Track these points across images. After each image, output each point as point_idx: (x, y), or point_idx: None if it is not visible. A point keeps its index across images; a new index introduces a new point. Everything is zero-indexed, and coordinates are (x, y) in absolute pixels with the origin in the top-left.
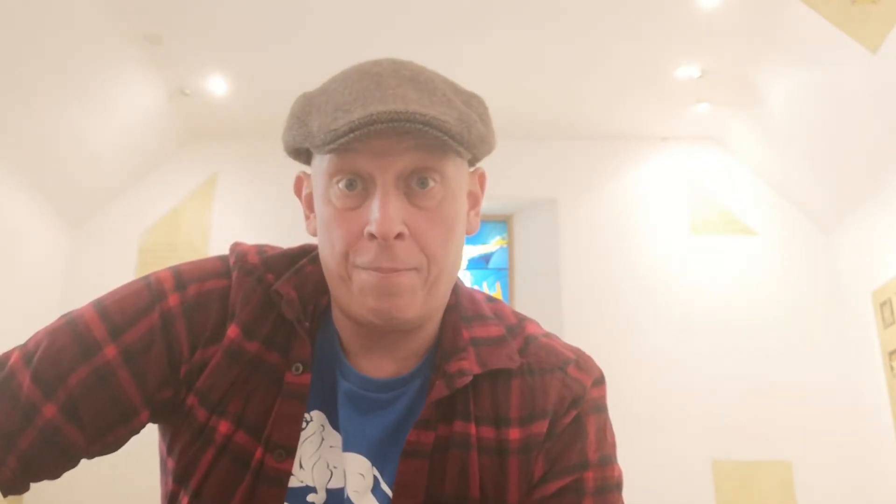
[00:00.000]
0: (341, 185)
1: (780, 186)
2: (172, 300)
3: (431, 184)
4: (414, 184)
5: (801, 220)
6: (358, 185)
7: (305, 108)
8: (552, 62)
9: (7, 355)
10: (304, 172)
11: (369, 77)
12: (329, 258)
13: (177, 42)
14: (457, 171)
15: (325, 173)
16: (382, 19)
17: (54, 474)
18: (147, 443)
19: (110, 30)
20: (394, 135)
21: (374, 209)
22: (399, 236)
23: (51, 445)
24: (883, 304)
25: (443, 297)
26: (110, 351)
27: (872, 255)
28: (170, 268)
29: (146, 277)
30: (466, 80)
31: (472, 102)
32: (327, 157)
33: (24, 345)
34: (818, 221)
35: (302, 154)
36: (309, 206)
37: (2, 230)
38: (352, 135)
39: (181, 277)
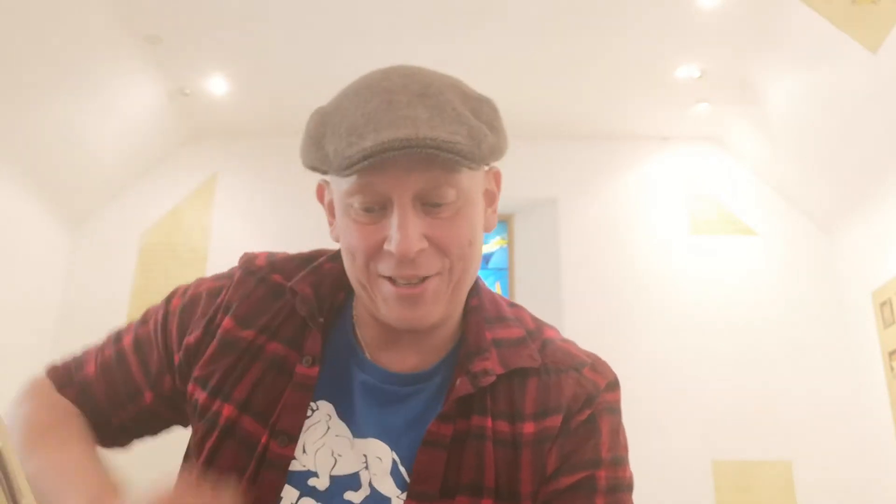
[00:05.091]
0: (360, 205)
1: (780, 186)
2: (175, 303)
3: (448, 199)
4: (431, 200)
5: (801, 220)
6: (375, 207)
7: (320, 130)
8: (552, 62)
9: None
10: (325, 181)
11: (380, 95)
12: (351, 266)
13: (177, 42)
14: (471, 179)
15: (344, 192)
16: (382, 19)
17: (94, 432)
18: (153, 445)
19: (110, 30)
20: (408, 158)
21: (394, 229)
22: (419, 251)
23: (85, 398)
24: (883, 304)
25: (463, 297)
26: (127, 340)
27: (872, 255)
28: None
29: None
30: (466, 80)
31: (483, 110)
32: (344, 179)
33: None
34: (818, 221)
35: (319, 169)
36: (332, 212)
37: (2, 230)
38: (365, 162)
39: (188, 286)
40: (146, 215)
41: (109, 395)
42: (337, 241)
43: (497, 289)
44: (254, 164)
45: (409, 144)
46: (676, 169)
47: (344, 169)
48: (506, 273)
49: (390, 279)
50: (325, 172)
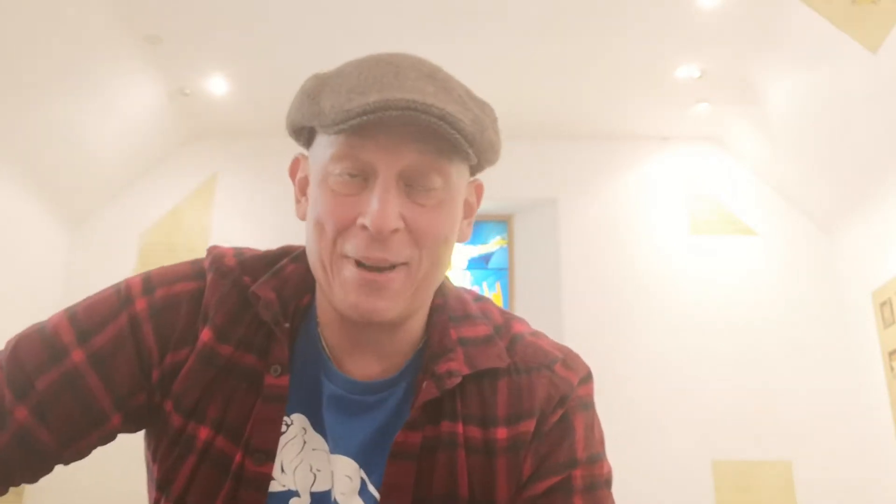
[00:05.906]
0: (342, 171)
1: (780, 186)
2: (140, 304)
3: (434, 185)
4: (416, 183)
5: (801, 220)
6: (359, 175)
7: (317, 88)
8: (552, 62)
9: None
10: (303, 155)
11: (386, 65)
12: (316, 243)
13: (177, 42)
14: (459, 176)
15: (328, 157)
16: (382, 19)
17: (30, 478)
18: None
19: (111, 30)
20: (403, 130)
21: (373, 202)
22: (394, 230)
23: (24, 448)
24: (883, 304)
25: (427, 298)
26: (77, 355)
27: (872, 255)
28: (141, 273)
29: (117, 284)
30: (466, 80)
31: (486, 110)
32: (332, 140)
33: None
34: (818, 221)
35: (303, 134)
36: (301, 189)
37: (2, 230)
38: (365, 117)
39: (150, 282)
40: (146, 215)
41: (60, 431)
42: (303, 218)
43: (497, 289)
44: (254, 164)
45: (414, 107)
46: (676, 169)
47: (339, 123)
48: (506, 273)
49: (356, 262)
50: (308, 138)
